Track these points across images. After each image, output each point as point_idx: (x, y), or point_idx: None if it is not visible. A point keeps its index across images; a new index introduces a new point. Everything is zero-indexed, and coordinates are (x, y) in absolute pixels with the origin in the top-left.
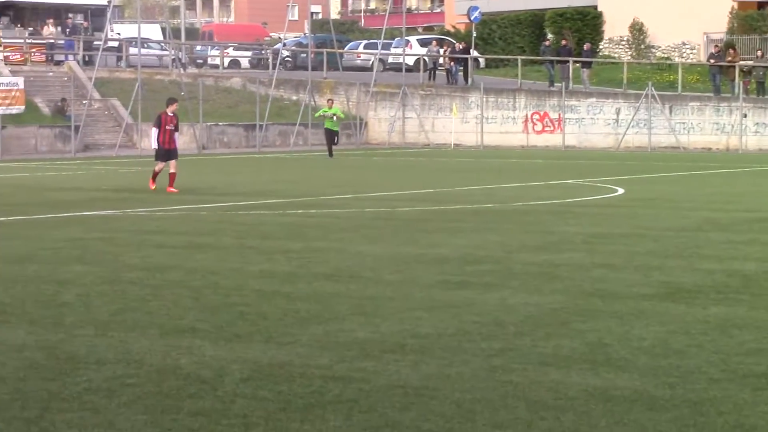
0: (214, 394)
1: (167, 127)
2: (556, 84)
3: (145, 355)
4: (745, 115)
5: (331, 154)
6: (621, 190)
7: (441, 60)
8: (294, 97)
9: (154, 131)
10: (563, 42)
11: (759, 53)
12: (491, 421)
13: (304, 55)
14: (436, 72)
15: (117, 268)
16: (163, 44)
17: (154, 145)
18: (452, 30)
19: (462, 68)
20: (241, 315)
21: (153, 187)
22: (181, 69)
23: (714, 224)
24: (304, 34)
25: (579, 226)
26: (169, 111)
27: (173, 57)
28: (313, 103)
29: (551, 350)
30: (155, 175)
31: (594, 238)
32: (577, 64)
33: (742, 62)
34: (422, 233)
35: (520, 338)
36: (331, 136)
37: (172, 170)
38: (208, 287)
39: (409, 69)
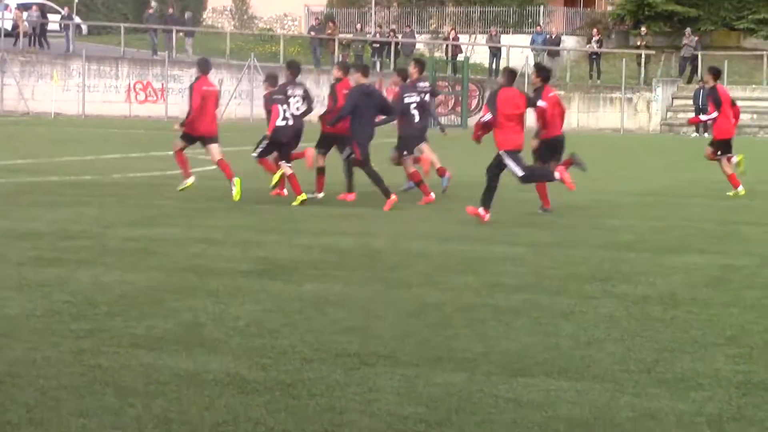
0: None
1: None
2: (159, 53)
3: None
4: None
5: None
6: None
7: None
8: None
9: None
10: (169, 10)
11: (358, 27)
12: (77, 409)
13: None
14: (41, 39)
15: None
16: None
17: None
18: None
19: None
20: None
21: None
22: None
23: (311, 201)
24: None
25: (178, 199)
26: None
27: None
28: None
29: (144, 331)
30: None
31: (194, 212)
32: (181, 33)
33: (341, 36)
34: (14, 206)
35: (111, 319)
36: None
37: None
38: None
39: (8, 34)
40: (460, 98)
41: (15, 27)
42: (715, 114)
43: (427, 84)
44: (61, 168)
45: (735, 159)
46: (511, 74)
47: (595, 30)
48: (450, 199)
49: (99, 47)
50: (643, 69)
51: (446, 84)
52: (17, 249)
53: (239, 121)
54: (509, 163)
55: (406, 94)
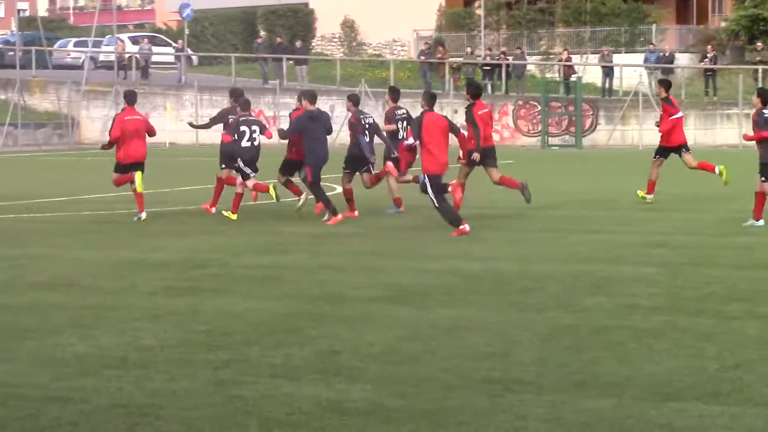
0: None
1: None
2: (270, 81)
3: None
4: (456, 111)
5: None
6: (338, 189)
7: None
8: (2, 97)
9: None
10: (278, 39)
11: (468, 50)
12: None
13: (12, 53)
14: (149, 70)
15: None
16: None
17: None
18: (164, 27)
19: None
20: None
21: None
22: None
23: (433, 222)
24: (11, 31)
25: (303, 225)
26: None
27: None
28: (23, 102)
29: (281, 360)
30: None
31: (318, 239)
32: (291, 62)
33: (451, 59)
34: (142, 237)
35: (248, 348)
36: None
37: None
38: None
39: (122, 67)
40: (573, 119)
41: (121, 60)
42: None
43: (404, 111)
44: (182, 197)
45: (717, 169)
46: (431, 98)
47: (709, 46)
48: (566, 220)
49: (210, 77)
50: (760, 84)
51: (559, 105)
52: (148, 279)
53: None
54: (428, 190)
55: (361, 116)
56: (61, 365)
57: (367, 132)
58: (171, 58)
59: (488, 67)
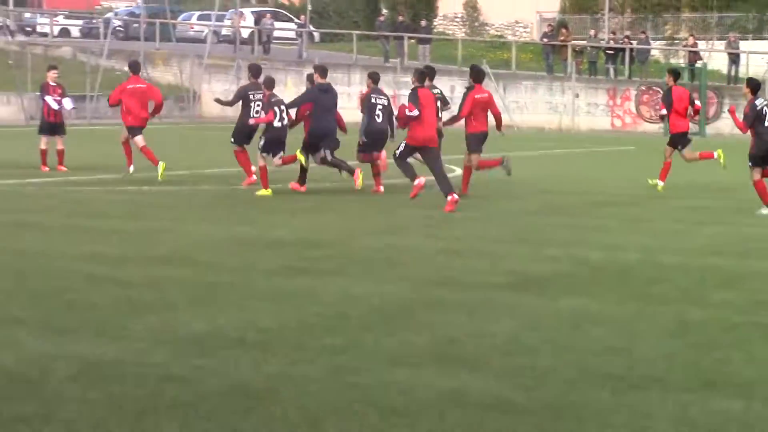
0: (38, 396)
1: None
2: (391, 60)
3: None
4: (578, 95)
5: None
6: (458, 170)
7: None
8: (126, 68)
9: (49, 99)
10: (400, 18)
11: (592, 33)
12: (340, 430)
13: (137, 25)
14: (271, 45)
15: None
16: None
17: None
18: (287, 3)
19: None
20: (70, 304)
21: (46, 169)
22: (9, 36)
23: (555, 208)
24: (137, 3)
25: (420, 207)
26: (50, 80)
27: (0, 24)
28: (146, 74)
29: (399, 347)
30: (44, 155)
31: (436, 222)
32: (413, 40)
33: (574, 42)
34: (260, 213)
35: (365, 333)
36: None
37: (60, 146)
38: (34, 272)
39: (244, 41)
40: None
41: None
42: None
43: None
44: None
45: (716, 154)
46: (421, 74)
47: None
48: (692, 210)
49: (331, 54)
50: None
51: None
52: (266, 258)
53: None
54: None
55: (374, 95)
56: (179, 343)
57: (380, 113)
58: (292, 34)
59: (611, 51)
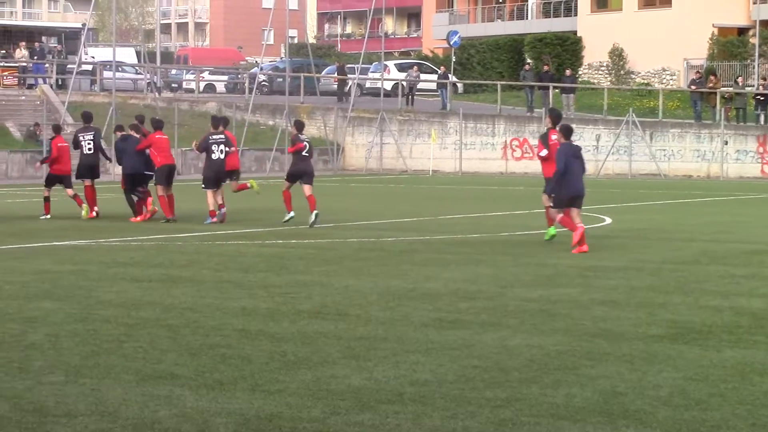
0: None
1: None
2: (535, 110)
3: (120, 407)
4: (726, 143)
5: None
6: (608, 220)
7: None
8: (270, 122)
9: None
10: (545, 67)
11: (740, 80)
12: None
13: (281, 79)
14: (414, 97)
15: (89, 305)
16: (137, 68)
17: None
18: (430, 55)
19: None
20: (223, 358)
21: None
22: (156, 93)
23: (711, 256)
24: (281, 58)
25: (571, 258)
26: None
27: (148, 81)
28: (290, 128)
29: (562, 400)
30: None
31: (589, 272)
32: (557, 90)
33: (723, 89)
34: (410, 265)
35: (527, 386)
36: None
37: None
38: (186, 326)
39: (387, 94)
40: None
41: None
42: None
43: (222, 136)
44: (446, 226)
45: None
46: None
47: None
48: None
49: (475, 105)
50: None
51: None
52: (419, 310)
53: (617, 177)
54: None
55: (211, 137)
56: (336, 398)
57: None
58: (435, 86)
59: (761, 97)
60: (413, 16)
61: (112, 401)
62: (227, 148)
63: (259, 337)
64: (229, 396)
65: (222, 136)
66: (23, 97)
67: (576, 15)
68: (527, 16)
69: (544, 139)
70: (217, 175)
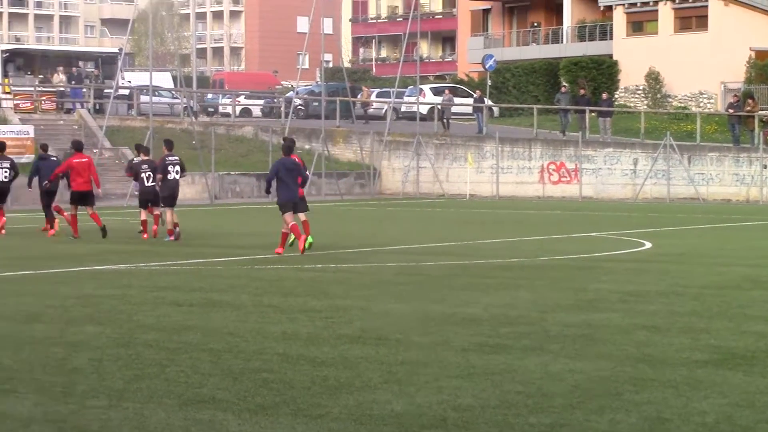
0: None
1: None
2: (569, 133)
3: (163, 431)
4: (765, 166)
5: None
6: (648, 244)
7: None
8: (307, 146)
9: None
10: (581, 91)
11: None
12: None
13: (317, 103)
14: (450, 121)
15: (131, 329)
16: (174, 92)
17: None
18: (465, 78)
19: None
20: (265, 383)
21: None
22: (193, 117)
23: (753, 281)
24: (316, 82)
25: (612, 282)
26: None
27: (184, 105)
28: (326, 152)
29: (607, 426)
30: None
31: (630, 297)
32: (593, 114)
33: (761, 112)
34: (449, 290)
35: (570, 412)
36: None
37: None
38: (227, 351)
39: (423, 118)
40: None
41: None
42: None
43: (176, 158)
44: (485, 250)
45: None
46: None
47: None
48: None
49: (511, 129)
50: None
51: None
52: (460, 335)
53: (655, 201)
54: None
55: (167, 158)
56: (379, 423)
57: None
58: (470, 109)
59: None
60: (448, 40)
61: (155, 425)
62: (179, 169)
63: (300, 361)
64: (271, 420)
65: (176, 158)
66: (61, 122)
67: (611, 39)
68: (562, 40)
69: None
70: (172, 194)
